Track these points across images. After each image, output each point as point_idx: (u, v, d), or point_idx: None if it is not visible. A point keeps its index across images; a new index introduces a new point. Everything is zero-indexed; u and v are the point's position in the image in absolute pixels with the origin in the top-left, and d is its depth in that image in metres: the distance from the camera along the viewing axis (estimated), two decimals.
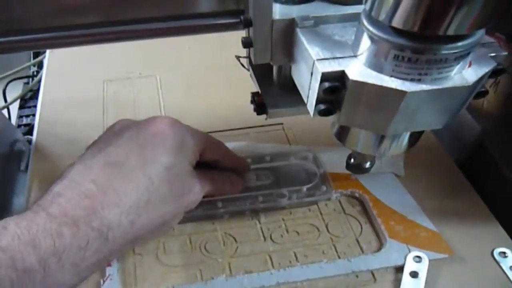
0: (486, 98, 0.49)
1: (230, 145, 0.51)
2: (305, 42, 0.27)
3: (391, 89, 0.24)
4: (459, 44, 0.23)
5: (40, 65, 0.72)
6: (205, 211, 0.44)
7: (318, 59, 0.26)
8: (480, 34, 0.23)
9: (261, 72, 0.39)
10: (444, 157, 0.51)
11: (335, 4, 0.30)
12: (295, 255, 0.42)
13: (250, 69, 0.40)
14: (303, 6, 0.30)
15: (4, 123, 0.54)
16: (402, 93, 0.24)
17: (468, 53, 0.24)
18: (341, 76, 0.26)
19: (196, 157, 0.37)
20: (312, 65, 0.26)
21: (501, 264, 0.40)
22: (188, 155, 0.36)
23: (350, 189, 0.46)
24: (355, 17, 0.28)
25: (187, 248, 0.43)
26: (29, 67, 0.73)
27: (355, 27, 0.27)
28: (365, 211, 0.45)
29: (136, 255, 0.43)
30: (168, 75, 0.64)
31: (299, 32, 0.28)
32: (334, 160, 0.46)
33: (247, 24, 0.30)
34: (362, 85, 0.25)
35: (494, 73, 0.26)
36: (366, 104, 0.26)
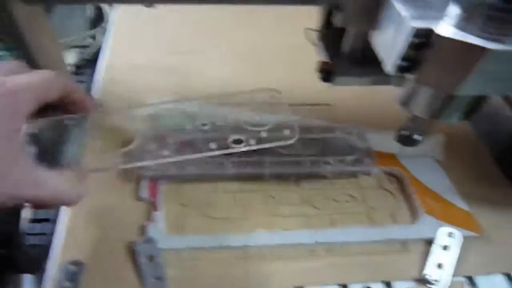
0: None
1: (275, 117, 0.53)
2: (398, 2, 0.31)
3: (475, 46, 0.27)
4: None
5: (94, 37, 0.75)
6: (252, 169, 0.46)
7: (410, 17, 0.29)
8: None
9: (329, 43, 0.42)
10: (481, 148, 0.54)
11: None
12: (332, 220, 0.45)
13: (319, 41, 0.43)
14: None
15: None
16: (485, 51, 0.27)
17: None
18: (429, 33, 0.29)
19: (18, 125, 0.31)
20: (402, 22, 0.29)
21: None
22: (5, 134, 0.30)
23: (391, 166, 0.49)
24: None
25: (231, 204, 0.46)
26: (85, 37, 0.74)
27: None
28: (403, 188, 0.48)
29: (182, 205, 0.45)
30: (226, 53, 0.67)
31: None
32: (379, 140, 0.49)
33: None
34: (447, 41, 0.28)
35: None
36: (446, 61, 0.29)
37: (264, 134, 0.49)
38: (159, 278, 0.39)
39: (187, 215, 0.44)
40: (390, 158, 0.49)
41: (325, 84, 0.42)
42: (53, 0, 0.45)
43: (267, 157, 0.46)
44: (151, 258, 0.40)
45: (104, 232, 0.43)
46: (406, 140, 0.40)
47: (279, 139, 0.48)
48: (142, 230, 0.43)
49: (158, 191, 0.45)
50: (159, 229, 0.42)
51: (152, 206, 0.44)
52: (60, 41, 0.65)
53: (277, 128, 0.49)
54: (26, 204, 0.32)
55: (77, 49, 0.67)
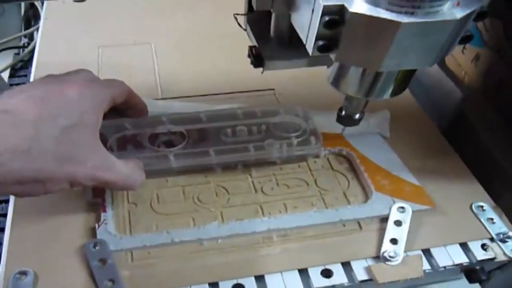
0: (467, 73, 0.52)
1: (221, 107, 0.53)
2: None
3: (387, 20, 0.26)
4: None
5: (31, 37, 0.73)
6: (196, 160, 0.45)
7: None
8: None
9: (258, 28, 0.41)
10: (427, 122, 0.54)
11: None
12: (285, 206, 0.44)
13: (247, 26, 0.42)
14: None
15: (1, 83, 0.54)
16: (397, 24, 0.26)
17: None
18: (340, 10, 0.28)
19: (100, 118, 0.37)
20: (314, 2, 0.28)
21: (479, 217, 0.43)
22: (92, 123, 0.36)
23: (338, 147, 0.48)
24: None
25: (180, 198, 0.45)
26: (20, 38, 0.73)
27: None
28: (352, 168, 0.48)
29: (130, 204, 0.44)
30: (163, 43, 0.65)
31: None
32: (324, 121, 0.49)
33: None
34: (360, 17, 0.27)
35: (479, 16, 0.29)
36: (362, 37, 0.28)
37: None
38: (114, 281, 0.39)
39: (136, 214, 0.44)
40: (338, 138, 0.49)
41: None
42: None
43: (211, 147, 0.45)
44: (103, 261, 0.39)
45: (53, 238, 0.42)
46: (346, 120, 0.40)
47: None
48: (93, 232, 0.42)
49: (105, 191, 0.44)
50: (109, 231, 0.41)
51: (100, 207, 0.43)
52: None
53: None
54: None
55: (13, 51, 0.65)
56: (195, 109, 0.51)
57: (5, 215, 0.45)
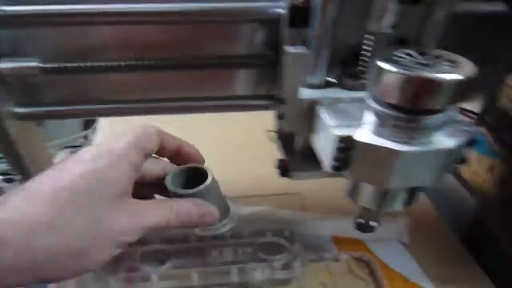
0: (485, 180, 0.56)
1: (250, 209, 0.57)
2: (325, 115, 0.36)
3: (388, 149, 0.32)
4: (436, 116, 0.31)
5: (87, 137, 0.82)
6: (179, 280, 0.47)
7: (334, 126, 0.34)
8: (453, 110, 0.32)
9: (286, 143, 0.48)
10: (446, 230, 0.57)
11: (347, 90, 0.39)
12: None
13: (278, 141, 0.48)
14: (323, 90, 0.39)
15: None
16: (396, 152, 0.32)
17: (446, 123, 0.32)
18: (350, 139, 0.34)
19: (131, 176, 0.34)
20: (329, 130, 0.35)
21: None
22: (111, 184, 0.32)
23: (359, 252, 0.52)
24: (362, 99, 0.36)
25: None
26: (77, 138, 0.82)
27: (362, 105, 0.35)
28: (372, 273, 0.50)
29: None
30: (201, 149, 0.72)
31: (320, 108, 0.37)
32: (345, 226, 0.52)
33: (281, 101, 0.39)
34: (366, 146, 0.33)
35: (469, 144, 0.34)
36: (370, 161, 0.33)
37: None
38: None
39: None
40: (358, 243, 0.52)
41: None
42: (44, 118, 0.54)
43: (196, 267, 0.48)
44: None
45: None
46: (363, 227, 0.44)
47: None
48: None
49: None
50: None
51: None
52: (54, 142, 0.72)
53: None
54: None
55: (70, 149, 0.74)
56: None
57: None
